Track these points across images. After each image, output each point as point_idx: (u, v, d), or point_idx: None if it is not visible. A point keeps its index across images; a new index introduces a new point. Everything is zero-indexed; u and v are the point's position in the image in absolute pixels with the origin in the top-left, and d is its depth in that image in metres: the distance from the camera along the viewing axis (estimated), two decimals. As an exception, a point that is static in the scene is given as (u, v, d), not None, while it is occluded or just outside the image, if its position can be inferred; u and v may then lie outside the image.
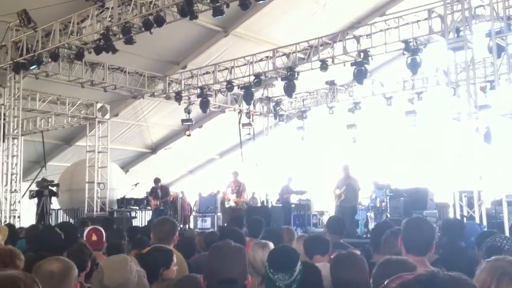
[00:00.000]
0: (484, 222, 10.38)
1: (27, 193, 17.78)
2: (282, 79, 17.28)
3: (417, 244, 3.63)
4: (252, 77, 17.48)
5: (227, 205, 17.64)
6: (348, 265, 3.52)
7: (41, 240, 4.73)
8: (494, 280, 2.05)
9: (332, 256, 4.18)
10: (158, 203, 17.19)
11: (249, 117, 21.38)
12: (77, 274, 3.22)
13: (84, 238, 6.06)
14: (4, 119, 16.53)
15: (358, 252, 4.25)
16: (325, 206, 18.95)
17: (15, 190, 16.28)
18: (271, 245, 4.40)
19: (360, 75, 15.61)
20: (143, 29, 13.12)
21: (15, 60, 15.53)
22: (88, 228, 6.31)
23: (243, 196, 17.12)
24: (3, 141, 16.38)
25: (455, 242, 5.06)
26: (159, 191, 17.31)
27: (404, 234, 3.75)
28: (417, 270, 2.93)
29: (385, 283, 1.73)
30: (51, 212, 17.78)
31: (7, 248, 4.33)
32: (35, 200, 17.27)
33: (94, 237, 5.81)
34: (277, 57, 17.07)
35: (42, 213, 16.75)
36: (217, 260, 2.92)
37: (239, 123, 21.25)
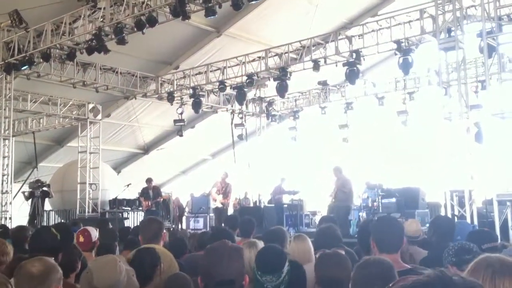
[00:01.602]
0: (475, 221, 10.44)
1: (21, 194, 17.69)
2: (275, 79, 17.28)
3: (389, 242, 3.68)
4: (245, 77, 17.47)
5: (213, 206, 17.62)
6: (332, 264, 3.53)
7: (36, 241, 4.66)
8: (489, 271, 2.05)
9: (317, 256, 4.18)
10: (149, 204, 17.11)
11: (241, 118, 21.37)
12: (59, 276, 3.16)
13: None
14: (-5, 119, 16.45)
15: (343, 252, 4.25)
16: (317, 206, 18.99)
17: (6, 191, 16.20)
18: (259, 245, 4.38)
19: (352, 75, 15.63)
20: (135, 29, 13.07)
21: (6, 61, 15.44)
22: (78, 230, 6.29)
23: (229, 198, 17.15)
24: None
25: (445, 240, 5.07)
26: (150, 192, 17.23)
27: (375, 234, 3.78)
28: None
29: (390, 285, 1.72)
30: (42, 213, 17.68)
31: None
32: (29, 201, 17.20)
33: (81, 239, 5.81)
34: (269, 57, 17.07)
35: (34, 214, 16.68)
36: (214, 261, 2.89)
37: (232, 123, 21.23)
